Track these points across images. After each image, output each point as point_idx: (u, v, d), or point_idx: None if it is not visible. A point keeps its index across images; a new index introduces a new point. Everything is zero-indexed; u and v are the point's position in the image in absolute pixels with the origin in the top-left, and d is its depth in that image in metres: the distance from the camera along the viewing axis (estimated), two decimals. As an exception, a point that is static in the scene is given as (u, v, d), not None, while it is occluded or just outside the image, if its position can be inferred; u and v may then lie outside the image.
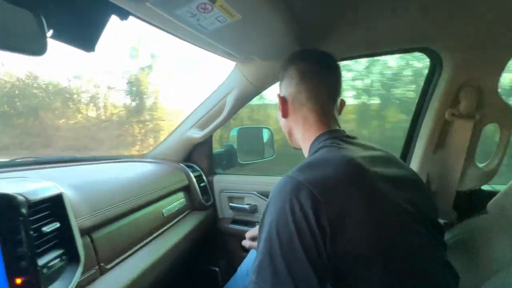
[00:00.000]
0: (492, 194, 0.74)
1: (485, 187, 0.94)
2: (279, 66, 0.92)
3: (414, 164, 0.94)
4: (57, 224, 0.53)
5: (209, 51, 0.80)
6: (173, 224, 0.97)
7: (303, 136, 0.63)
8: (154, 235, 0.86)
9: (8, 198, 0.45)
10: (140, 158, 1.24)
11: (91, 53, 0.67)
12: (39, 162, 0.89)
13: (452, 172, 0.89)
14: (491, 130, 0.88)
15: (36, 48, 0.47)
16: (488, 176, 0.88)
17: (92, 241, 0.63)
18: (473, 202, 0.92)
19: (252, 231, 0.93)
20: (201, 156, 1.26)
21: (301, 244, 0.40)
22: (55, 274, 0.50)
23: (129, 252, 0.74)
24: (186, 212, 1.09)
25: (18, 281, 0.43)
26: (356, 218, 0.42)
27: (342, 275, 0.42)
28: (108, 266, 0.65)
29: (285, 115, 0.65)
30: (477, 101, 0.82)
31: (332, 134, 0.58)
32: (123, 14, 0.60)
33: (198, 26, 0.58)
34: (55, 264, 0.50)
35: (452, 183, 0.89)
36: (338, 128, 0.61)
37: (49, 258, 0.49)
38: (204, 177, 1.23)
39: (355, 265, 0.41)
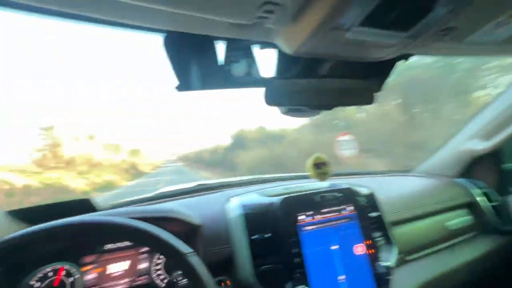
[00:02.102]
0: None
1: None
2: None
3: None
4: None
5: None
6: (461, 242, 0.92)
7: None
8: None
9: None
10: (406, 172, 1.28)
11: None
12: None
13: None
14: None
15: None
16: None
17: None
18: None
19: None
20: (486, 171, 1.07)
21: None
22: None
23: (425, 252, 0.83)
24: (473, 233, 0.96)
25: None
26: None
27: None
28: (409, 258, 0.78)
29: None
30: None
31: None
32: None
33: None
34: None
35: None
36: None
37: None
38: (495, 196, 1.02)
39: None
